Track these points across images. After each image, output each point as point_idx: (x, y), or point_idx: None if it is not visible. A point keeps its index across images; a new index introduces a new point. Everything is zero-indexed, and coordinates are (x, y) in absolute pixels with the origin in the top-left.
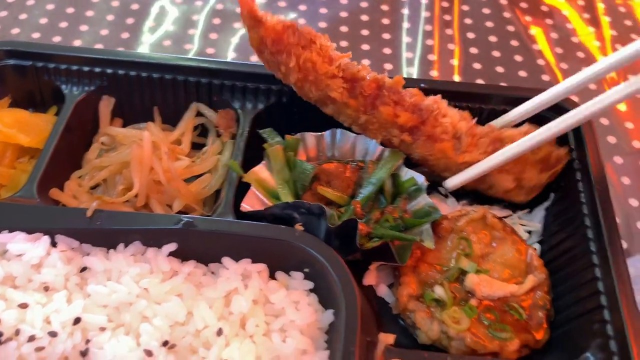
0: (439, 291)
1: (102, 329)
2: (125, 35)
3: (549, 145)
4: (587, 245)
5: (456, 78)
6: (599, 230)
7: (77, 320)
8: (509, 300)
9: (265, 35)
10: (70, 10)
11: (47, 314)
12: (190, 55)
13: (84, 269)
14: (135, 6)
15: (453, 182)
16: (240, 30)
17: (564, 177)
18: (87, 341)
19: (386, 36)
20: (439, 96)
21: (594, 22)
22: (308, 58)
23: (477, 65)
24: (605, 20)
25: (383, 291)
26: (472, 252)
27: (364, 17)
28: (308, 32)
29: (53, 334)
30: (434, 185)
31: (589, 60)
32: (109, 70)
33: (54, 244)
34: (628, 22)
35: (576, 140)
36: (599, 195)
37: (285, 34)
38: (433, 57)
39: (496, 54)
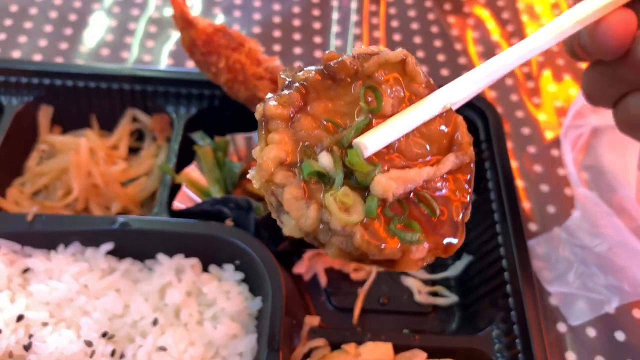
0: (325, 160)
1: (45, 324)
2: (63, 45)
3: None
4: (494, 230)
5: None
6: (504, 216)
7: (20, 318)
8: (420, 190)
9: (197, 36)
10: (8, 22)
11: None
12: (128, 63)
13: (26, 270)
14: (73, 17)
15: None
16: (175, 37)
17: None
18: (30, 336)
19: (317, 40)
20: None
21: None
22: (237, 59)
23: None
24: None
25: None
26: (379, 107)
27: (296, 22)
28: (237, 36)
29: None
30: None
31: None
32: (47, 81)
33: None
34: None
35: (486, 136)
36: (505, 186)
37: (216, 36)
38: None
39: (420, 53)
